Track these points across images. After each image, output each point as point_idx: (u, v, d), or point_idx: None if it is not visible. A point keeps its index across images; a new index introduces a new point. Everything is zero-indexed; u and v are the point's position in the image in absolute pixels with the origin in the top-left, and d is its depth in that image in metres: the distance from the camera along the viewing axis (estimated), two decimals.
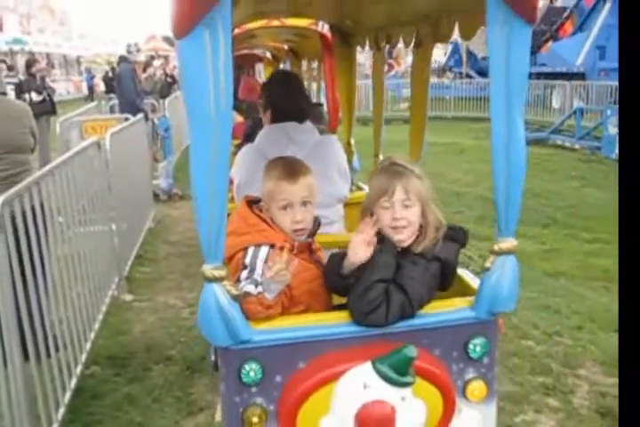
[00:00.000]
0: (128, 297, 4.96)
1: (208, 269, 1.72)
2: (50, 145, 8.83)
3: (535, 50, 22.49)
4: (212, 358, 2.65)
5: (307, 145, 2.96)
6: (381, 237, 1.96)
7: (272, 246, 2.03)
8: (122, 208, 5.13)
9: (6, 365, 2.68)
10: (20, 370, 2.77)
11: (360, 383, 1.77)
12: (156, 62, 17.98)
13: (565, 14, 21.09)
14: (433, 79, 31.84)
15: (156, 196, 7.92)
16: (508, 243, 1.89)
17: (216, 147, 1.60)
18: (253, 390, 1.85)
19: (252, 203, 2.24)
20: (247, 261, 2.03)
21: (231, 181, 2.86)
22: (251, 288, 1.88)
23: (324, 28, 4.34)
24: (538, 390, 3.48)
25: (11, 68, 16.62)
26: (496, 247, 1.89)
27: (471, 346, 1.96)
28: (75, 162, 4.00)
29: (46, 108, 9.64)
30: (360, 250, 1.90)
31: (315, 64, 6.62)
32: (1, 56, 28.14)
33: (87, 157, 4.39)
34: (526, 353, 3.92)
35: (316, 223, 2.22)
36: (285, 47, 6.73)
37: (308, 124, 3.10)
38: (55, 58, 36.76)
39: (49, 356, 3.17)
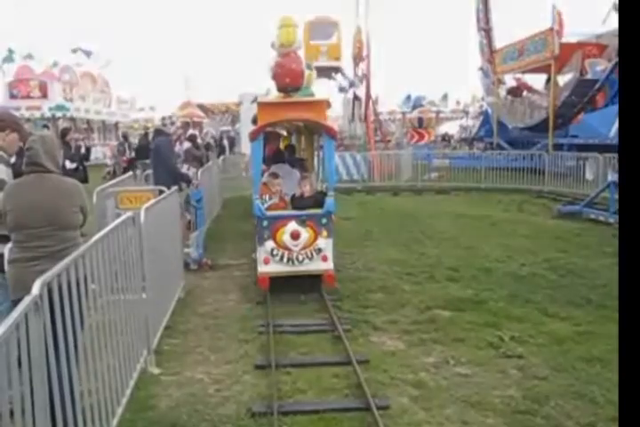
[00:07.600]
0: (156, 370, 4.96)
1: (255, 197, 7.15)
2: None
3: (566, 121, 22.61)
4: (256, 223, 7.01)
5: (285, 171, 8.89)
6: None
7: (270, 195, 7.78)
8: (153, 277, 5.19)
9: None
10: None
11: (292, 225, 7.00)
12: (194, 130, 18.51)
13: (597, 86, 21.23)
14: (463, 149, 32.22)
15: (186, 265, 7.95)
16: (332, 193, 7.11)
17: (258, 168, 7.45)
18: (266, 229, 7.03)
19: (265, 184, 7.77)
20: (264, 197, 7.49)
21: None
22: (266, 202, 7.47)
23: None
24: None
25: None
26: (329, 193, 7.12)
27: (322, 220, 7.05)
28: (110, 236, 4.14)
29: (79, 177, 9.90)
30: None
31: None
32: (44, 122, 29.34)
33: (122, 228, 4.52)
34: None
35: (282, 191, 7.96)
36: (293, 128, 11.78)
37: (286, 164, 9.57)
38: (94, 123, 38.09)
39: None
